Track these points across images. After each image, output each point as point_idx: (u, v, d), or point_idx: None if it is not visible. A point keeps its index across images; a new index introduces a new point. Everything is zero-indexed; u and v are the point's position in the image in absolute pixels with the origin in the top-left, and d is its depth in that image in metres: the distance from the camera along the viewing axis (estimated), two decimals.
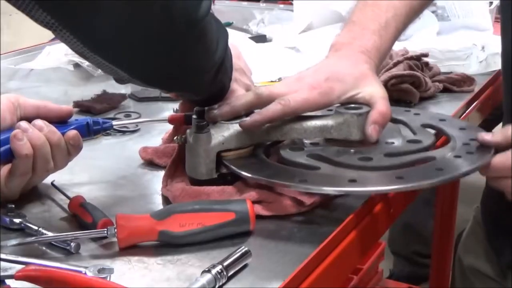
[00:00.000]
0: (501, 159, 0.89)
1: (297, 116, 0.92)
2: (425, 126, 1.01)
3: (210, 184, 0.90)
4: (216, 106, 0.92)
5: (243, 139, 0.91)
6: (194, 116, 0.92)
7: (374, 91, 0.93)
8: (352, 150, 0.91)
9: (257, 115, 0.90)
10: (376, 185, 0.84)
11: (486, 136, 0.91)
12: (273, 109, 0.90)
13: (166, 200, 0.92)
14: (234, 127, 0.90)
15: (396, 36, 1.02)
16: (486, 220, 1.21)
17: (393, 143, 0.94)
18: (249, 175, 0.87)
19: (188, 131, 0.92)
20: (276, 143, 0.96)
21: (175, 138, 0.93)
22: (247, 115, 0.92)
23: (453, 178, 0.86)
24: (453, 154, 0.90)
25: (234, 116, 0.92)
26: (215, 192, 0.88)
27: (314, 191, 0.85)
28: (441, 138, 1.00)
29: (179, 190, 0.90)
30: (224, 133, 0.90)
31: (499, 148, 0.90)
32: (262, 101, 0.92)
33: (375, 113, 0.91)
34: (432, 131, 1.00)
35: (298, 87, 0.92)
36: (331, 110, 0.94)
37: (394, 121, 1.00)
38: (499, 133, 0.91)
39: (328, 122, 0.92)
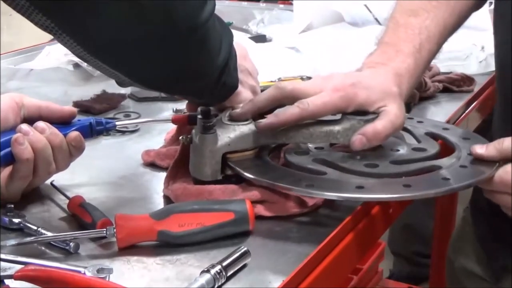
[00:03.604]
0: (500, 174, 0.87)
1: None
2: (428, 134, 1.00)
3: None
4: (240, 105, 0.92)
5: (248, 141, 0.90)
6: (199, 116, 0.90)
7: (395, 112, 0.89)
8: (357, 156, 0.91)
9: (274, 118, 0.89)
10: (384, 193, 0.84)
11: (479, 150, 0.89)
12: (290, 112, 0.88)
13: (166, 200, 0.92)
14: (240, 129, 0.90)
15: (430, 59, 1.00)
16: (477, 221, 1.20)
17: (398, 150, 0.94)
18: (254, 177, 0.87)
19: (193, 131, 0.91)
20: (281, 146, 0.95)
21: (180, 137, 0.92)
22: (260, 117, 0.92)
23: (460, 188, 0.85)
24: (459, 164, 0.90)
25: (259, 113, 0.91)
26: (217, 190, 0.88)
27: (320, 196, 0.85)
28: (445, 147, 0.98)
29: (181, 189, 0.90)
30: (230, 134, 0.89)
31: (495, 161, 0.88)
32: (285, 96, 0.90)
33: (371, 127, 0.88)
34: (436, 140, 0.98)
35: (323, 87, 0.90)
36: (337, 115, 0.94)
37: None
38: (492, 147, 0.89)
39: (335, 127, 0.91)
